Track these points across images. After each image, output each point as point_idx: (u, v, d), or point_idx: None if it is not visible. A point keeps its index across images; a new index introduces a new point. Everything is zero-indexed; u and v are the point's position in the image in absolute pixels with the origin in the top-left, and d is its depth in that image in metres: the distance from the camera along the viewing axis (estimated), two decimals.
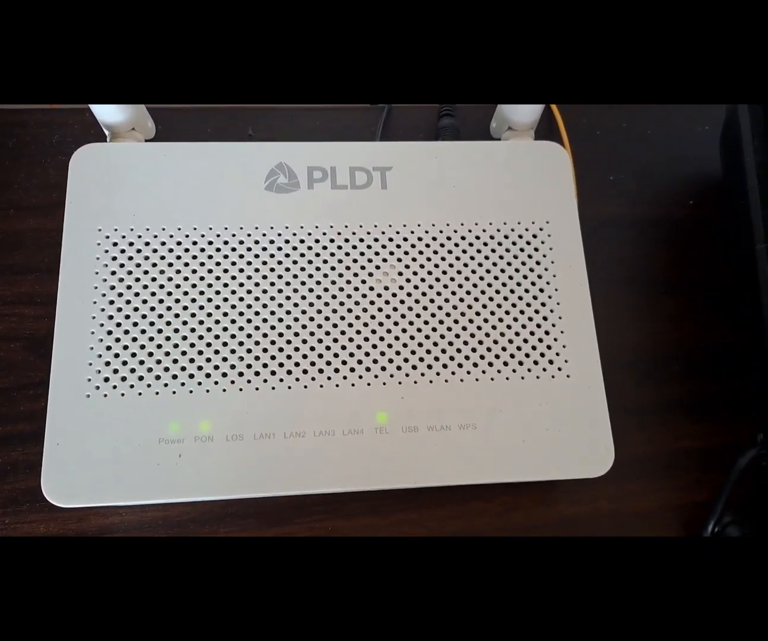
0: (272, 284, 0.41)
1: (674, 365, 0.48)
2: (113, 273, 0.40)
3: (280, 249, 0.42)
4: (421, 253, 0.42)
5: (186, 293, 0.40)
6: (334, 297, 0.41)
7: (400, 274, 0.42)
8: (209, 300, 0.40)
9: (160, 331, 0.39)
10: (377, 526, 0.43)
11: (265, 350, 0.40)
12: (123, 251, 0.41)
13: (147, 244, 0.41)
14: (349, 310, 0.41)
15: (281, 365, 0.39)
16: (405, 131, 0.52)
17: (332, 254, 0.42)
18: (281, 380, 0.39)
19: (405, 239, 0.43)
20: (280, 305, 0.41)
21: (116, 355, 0.39)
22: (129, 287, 0.40)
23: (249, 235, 0.42)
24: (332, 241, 0.42)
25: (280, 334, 0.40)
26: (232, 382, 0.39)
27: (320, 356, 0.40)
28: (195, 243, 0.41)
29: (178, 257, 0.41)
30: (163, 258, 0.41)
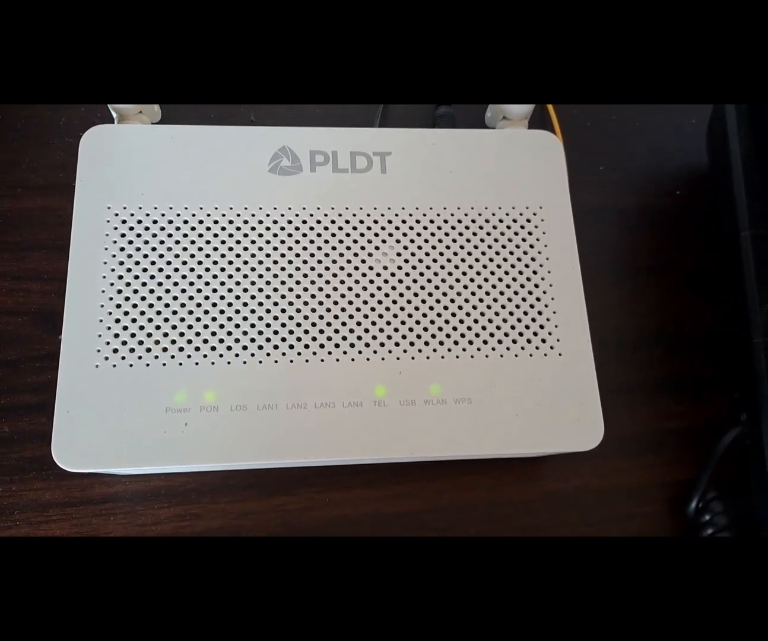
0: (275, 262, 0.42)
1: (659, 347, 0.50)
2: (122, 249, 0.42)
3: (283, 229, 0.43)
4: (419, 234, 0.44)
5: (192, 269, 0.42)
6: (334, 275, 0.42)
7: (399, 254, 0.43)
8: (214, 276, 0.42)
9: (167, 306, 0.41)
10: (373, 498, 0.44)
11: (268, 325, 0.41)
12: (131, 228, 0.42)
13: (155, 222, 0.42)
14: (350, 289, 0.42)
15: (284, 340, 0.41)
16: (402, 118, 0.53)
17: (333, 235, 0.43)
18: (284, 354, 0.41)
19: (403, 221, 0.44)
20: (283, 283, 0.42)
21: (125, 328, 0.40)
22: (137, 263, 0.41)
23: (253, 215, 0.43)
24: (333, 222, 0.44)
25: (283, 311, 0.41)
26: (237, 355, 0.40)
27: (321, 332, 0.41)
28: (201, 221, 0.43)
29: (185, 235, 0.42)
30: (170, 235, 0.42)
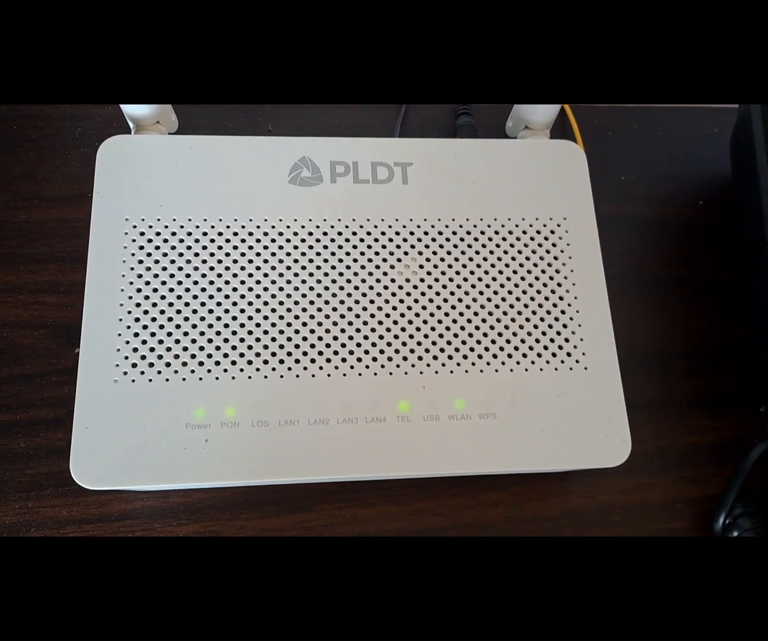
0: (296, 275, 0.42)
1: (684, 361, 0.49)
2: (140, 261, 0.41)
3: (303, 241, 0.42)
4: (441, 246, 0.43)
5: (212, 282, 0.41)
6: (356, 288, 0.42)
7: (421, 266, 0.43)
8: (234, 289, 0.41)
9: (186, 319, 0.40)
10: (395, 514, 0.44)
11: (289, 339, 0.40)
12: (150, 240, 0.41)
13: (173, 233, 0.42)
14: (371, 302, 0.42)
15: (305, 354, 0.40)
16: (422, 129, 0.53)
17: (354, 247, 0.43)
18: (305, 368, 0.40)
19: (426, 233, 0.43)
20: (304, 295, 0.41)
21: (144, 342, 0.40)
22: (156, 275, 0.41)
23: (273, 227, 0.42)
24: (354, 233, 0.43)
25: (304, 324, 0.41)
26: (258, 370, 0.40)
27: (343, 345, 0.41)
28: (220, 233, 0.42)
29: (204, 247, 0.42)
30: (189, 248, 0.42)
